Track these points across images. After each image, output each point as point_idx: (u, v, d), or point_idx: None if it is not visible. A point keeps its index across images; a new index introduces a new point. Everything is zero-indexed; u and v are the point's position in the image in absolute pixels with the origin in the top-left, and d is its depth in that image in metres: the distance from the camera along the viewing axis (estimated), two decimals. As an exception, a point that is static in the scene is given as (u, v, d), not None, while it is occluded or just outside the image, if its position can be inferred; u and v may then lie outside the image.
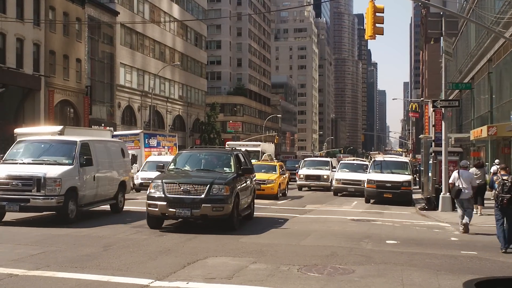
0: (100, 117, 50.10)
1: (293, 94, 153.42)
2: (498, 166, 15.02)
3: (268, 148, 39.41)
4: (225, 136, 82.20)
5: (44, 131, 25.78)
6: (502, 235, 11.61)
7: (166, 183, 12.55)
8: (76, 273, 8.02)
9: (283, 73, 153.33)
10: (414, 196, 26.60)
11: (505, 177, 11.57)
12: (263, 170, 25.18)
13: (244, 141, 40.92)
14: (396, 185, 24.41)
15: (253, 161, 28.25)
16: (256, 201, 17.26)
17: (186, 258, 9.47)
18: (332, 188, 30.15)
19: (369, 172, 26.45)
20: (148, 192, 12.82)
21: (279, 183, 24.68)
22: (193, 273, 8.23)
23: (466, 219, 14.68)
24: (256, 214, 18.16)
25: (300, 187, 32.54)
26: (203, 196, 12.40)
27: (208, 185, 12.50)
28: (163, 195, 12.43)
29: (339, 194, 29.11)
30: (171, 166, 14.43)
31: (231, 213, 12.82)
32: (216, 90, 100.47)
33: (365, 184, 25.24)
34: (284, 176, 26.54)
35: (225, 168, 14.12)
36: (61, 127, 25.91)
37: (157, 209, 12.47)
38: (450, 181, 15.17)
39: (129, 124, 55.42)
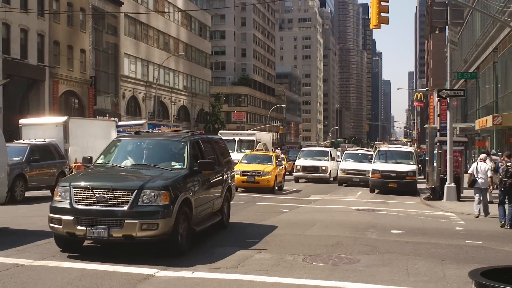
0: (104, 107, 50.13)
1: (298, 84, 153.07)
2: (484, 157, 16.53)
3: (265, 137, 36.65)
4: (229, 126, 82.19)
5: (49, 121, 26.00)
6: (502, 213, 14.06)
7: (75, 187, 8.54)
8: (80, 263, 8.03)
9: (287, 63, 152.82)
10: (419, 186, 26.63)
11: (509, 164, 13.60)
12: (257, 161, 23.92)
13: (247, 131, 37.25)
14: (401, 175, 24.40)
15: (247, 151, 28.34)
16: (252, 194, 17.27)
17: (191, 248, 9.43)
18: (331, 179, 30.07)
19: (373, 162, 26.55)
20: (52, 200, 8.91)
21: (275, 175, 23.10)
22: (198, 263, 8.21)
23: (476, 209, 16.09)
24: (259, 203, 18.36)
25: (296, 179, 30.80)
26: (126, 207, 8.23)
27: (136, 191, 8.32)
28: (69, 206, 8.45)
29: (344, 184, 29.20)
30: (100, 160, 10.24)
31: (173, 231, 8.50)
32: (221, 80, 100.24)
33: (370, 174, 25.34)
34: (281, 167, 24.76)
35: (174, 163, 9.77)
36: (65, 117, 26.04)
37: (60, 226, 8.46)
38: (470, 171, 16.72)
39: (133, 115, 55.43)
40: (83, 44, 46.31)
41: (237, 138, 31.64)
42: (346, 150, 47.15)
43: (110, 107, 51.41)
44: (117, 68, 53.03)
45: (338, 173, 29.95)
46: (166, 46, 64.59)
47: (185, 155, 9.89)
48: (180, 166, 9.68)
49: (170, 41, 65.74)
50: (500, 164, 14.18)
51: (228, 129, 74.90)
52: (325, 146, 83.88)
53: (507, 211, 13.75)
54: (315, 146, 72.35)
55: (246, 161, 23.86)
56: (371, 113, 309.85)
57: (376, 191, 25.01)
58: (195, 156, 10.16)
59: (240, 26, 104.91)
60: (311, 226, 13.00)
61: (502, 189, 13.90)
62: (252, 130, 40.43)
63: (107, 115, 45.32)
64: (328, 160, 31.50)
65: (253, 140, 31.63)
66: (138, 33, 57.93)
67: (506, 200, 13.85)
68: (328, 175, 30.30)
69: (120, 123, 37.08)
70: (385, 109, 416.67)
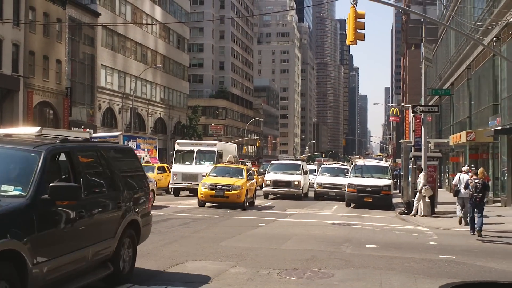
0: (80, 119, 49.58)
1: (276, 98, 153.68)
2: (466, 169, 18.37)
3: (228, 148, 33.84)
4: (207, 139, 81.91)
5: (21, 132, 25.57)
6: (471, 224, 15.32)
7: None
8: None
9: (265, 77, 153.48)
10: (394, 201, 26.81)
11: (476, 180, 15.07)
12: (227, 174, 22.78)
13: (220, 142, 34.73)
14: (376, 189, 24.59)
15: (207, 164, 27.65)
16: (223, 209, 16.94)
17: (165, 262, 9.41)
18: (301, 194, 28.87)
19: (350, 176, 26.69)
20: None
21: (247, 190, 21.90)
22: (172, 277, 8.18)
23: (459, 213, 17.98)
24: (235, 217, 18.35)
25: (266, 195, 28.75)
26: None
27: None
28: None
29: (320, 198, 29.31)
30: None
31: None
32: (198, 93, 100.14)
33: (346, 188, 25.43)
34: (252, 181, 23.66)
35: (6, 187, 6.03)
36: (38, 128, 25.69)
37: None
38: (453, 182, 18.34)
39: (109, 126, 54.91)
40: (59, 54, 45.86)
41: (196, 149, 28.91)
42: (323, 164, 47.43)
43: (85, 119, 50.87)
44: (93, 79, 52.59)
45: (315, 186, 29.95)
46: (144, 58, 64.36)
47: (33, 174, 6.00)
48: (17, 192, 5.89)
49: (148, 53, 65.53)
50: (469, 181, 15.67)
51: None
52: (302, 160, 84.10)
53: (476, 220, 15.10)
54: (289, 160, 72.64)
55: (215, 174, 22.89)
56: (348, 128, 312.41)
57: (352, 205, 25.12)
58: (57, 176, 6.51)
59: (218, 39, 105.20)
60: (287, 240, 13.00)
61: (471, 202, 15.36)
62: (208, 140, 36.82)
63: (83, 127, 44.80)
64: (301, 174, 29.62)
65: (214, 152, 28.85)
66: (116, 45, 57.61)
67: (476, 214, 15.18)
68: (301, 190, 28.64)
69: (94, 135, 36.59)
70: (362, 123, 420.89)
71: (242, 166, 24.42)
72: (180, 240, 12.37)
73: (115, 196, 7.49)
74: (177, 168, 28.03)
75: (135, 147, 35.47)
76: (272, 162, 34.32)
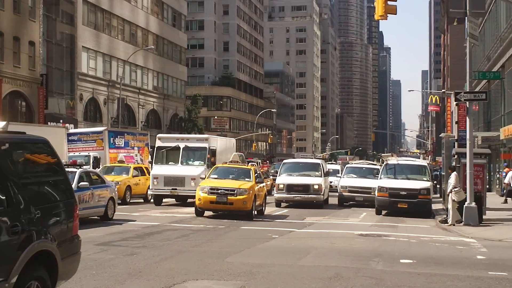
0: (58, 111, 49.86)
1: (291, 85, 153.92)
2: None
3: (225, 144, 32.49)
4: (209, 134, 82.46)
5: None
6: None
7: None
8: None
9: (278, 59, 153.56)
10: (434, 207, 26.72)
11: None
12: (231, 176, 22.56)
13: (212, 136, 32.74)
14: (412, 193, 24.56)
15: (197, 163, 26.94)
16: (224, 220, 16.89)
17: (160, 282, 9.43)
18: (323, 201, 28.44)
19: (380, 178, 26.69)
20: None
21: (255, 195, 21.54)
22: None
23: None
24: (243, 227, 18.46)
25: (278, 203, 28.07)
26: None
27: None
28: None
29: (344, 205, 29.44)
30: None
31: None
32: (199, 79, 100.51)
33: (376, 192, 25.48)
34: (261, 185, 23.31)
35: None
36: (3, 123, 25.79)
37: None
38: (506, 181, 17.81)
39: (93, 121, 55.24)
40: (33, 35, 45.96)
41: (182, 145, 27.60)
42: (348, 163, 47.35)
43: (64, 111, 51.15)
44: (73, 65, 52.82)
45: (339, 190, 30.24)
46: (133, 38, 64.60)
47: None
48: None
49: (138, 32, 65.76)
50: None
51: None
52: (322, 159, 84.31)
53: None
54: (307, 158, 72.24)
55: (216, 176, 22.69)
56: (378, 120, 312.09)
57: (383, 212, 25.17)
58: None
59: (221, 15, 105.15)
60: (305, 254, 13.09)
61: None
62: (206, 134, 33.20)
63: (61, 121, 45.11)
64: (321, 176, 29.02)
65: (205, 148, 27.52)
66: (99, 23, 57.83)
67: None
68: (322, 196, 28.06)
69: (73, 131, 36.84)
70: (395, 114, 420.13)
71: (249, 167, 24.03)
72: (178, 255, 12.43)
73: (9, 216, 5.99)
74: (158, 169, 26.90)
75: (122, 145, 35.75)
76: (284, 161, 33.12)
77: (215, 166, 24.55)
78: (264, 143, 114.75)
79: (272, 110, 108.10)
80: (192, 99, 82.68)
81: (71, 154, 31.49)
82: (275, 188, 29.24)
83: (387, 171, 27.09)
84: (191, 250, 13.22)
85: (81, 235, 13.51)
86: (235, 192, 20.92)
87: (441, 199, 29.01)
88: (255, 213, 22.00)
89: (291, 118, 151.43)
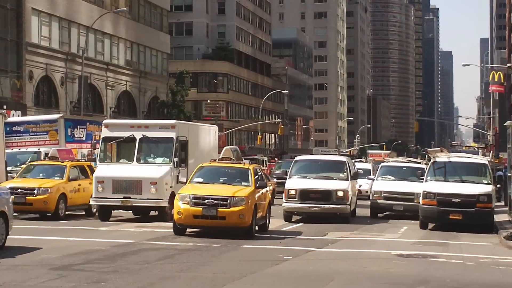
0: (1, 94, 49.77)
1: (307, 58, 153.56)
2: None
3: (201, 133, 31.21)
4: (201, 123, 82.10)
5: None
6: None
7: None
8: None
9: (290, 25, 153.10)
10: (497, 218, 26.39)
11: None
12: (222, 179, 22.25)
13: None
14: (468, 200, 24.40)
15: (160, 161, 25.49)
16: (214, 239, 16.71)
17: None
18: (350, 212, 28.04)
19: (426, 181, 26.61)
20: None
21: (255, 205, 21.06)
22: None
23: None
24: (244, 245, 18.53)
25: (289, 216, 27.79)
26: None
27: None
28: None
29: (379, 216, 29.49)
30: None
31: None
32: (186, 52, 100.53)
33: (421, 199, 25.41)
34: (264, 191, 23.01)
35: None
36: None
37: None
38: None
39: (47, 106, 55.13)
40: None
41: (138, 135, 26.31)
42: (383, 161, 47.16)
43: (9, 94, 50.95)
44: (20, 33, 52.44)
45: (371, 197, 30.48)
46: (99, -2, 64.36)
47: None
48: None
49: (105, -11, 65.56)
50: None
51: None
52: (349, 156, 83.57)
53: None
54: (328, 154, 71.21)
55: (201, 179, 22.20)
56: (423, 104, 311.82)
57: (430, 225, 25.17)
58: None
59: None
60: (328, 281, 13.07)
61: None
62: (173, 120, 28.68)
63: (5, 107, 44.91)
64: (347, 179, 28.53)
65: (172, 139, 26.18)
66: (55, -23, 57.58)
67: None
68: (349, 205, 27.60)
69: (17, 119, 36.50)
70: (445, 96, 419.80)
71: (247, 166, 23.44)
72: (160, 283, 12.39)
73: None
74: (104, 170, 25.63)
75: (84, 137, 35.50)
76: (297, 158, 32.08)
77: (200, 165, 23.48)
78: (273, 135, 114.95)
79: (282, 91, 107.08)
80: (178, 77, 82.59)
81: (16, 150, 31.25)
82: (283, 195, 28.47)
83: (435, 171, 26.95)
84: (177, 276, 13.21)
85: (33, 256, 13.32)
86: (228, 201, 20.30)
87: (507, 208, 28.78)
88: (256, 228, 21.66)
89: (308, 102, 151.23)
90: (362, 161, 57.55)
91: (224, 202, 20.22)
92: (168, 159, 25.87)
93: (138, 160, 25.81)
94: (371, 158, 78.64)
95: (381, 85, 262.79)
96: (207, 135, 31.60)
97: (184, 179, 22.96)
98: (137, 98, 71.51)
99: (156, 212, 25.75)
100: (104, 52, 65.48)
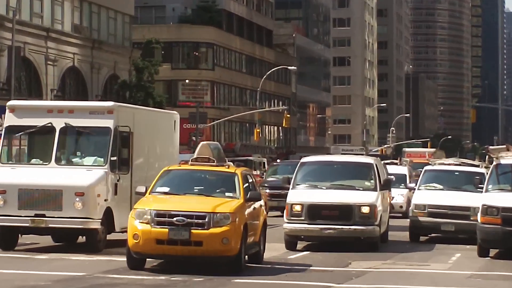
0: None
1: (323, 23, 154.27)
2: None
3: (156, 122, 30.07)
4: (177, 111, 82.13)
5: None
6: None
7: None
8: None
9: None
10: None
11: None
12: (196, 189, 22.06)
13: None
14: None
15: (90, 161, 24.42)
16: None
17: None
18: (379, 235, 27.82)
19: (486, 191, 26.48)
20: None
21: (245, 225, 20.69)
22: None
23: None
24: (237, 281, 18.51)
25: (291, 241, 27.62)
26: None
27: None
28: None
29: (422, 238, 29.57)
30: None
31: None
32: (156, 13, 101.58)
33: (479, 216, 25.31)
34: (257, 205, 22.79)
35: None
36: None
37: None
38: None
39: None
40: None
41: (59, 124, 25.05)
42: (428, 164, 47.26)
43: None
44: None
45: (411, 213, 30.57)
46: None
47: None
48: None
49: None
50: None
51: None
52: (382, 154, 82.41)
53: None
54: (350, 154, 70.76)
55: (166, 189, 21.85)
56: (482, 85, 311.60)
57: (493, 251, 25.12)
58: None
59: None
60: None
61: None
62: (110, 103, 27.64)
63: None
64: (374, 189, 28.49)
65: (108, 130, 25.11)
66: None
67: None
68: (378, 226, 27.50)
69: None
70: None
71: (232, 169, 22.82)
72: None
73: None
74: (6, 175, 24.45)
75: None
76: (304, 160, 31.64)
77: (166, 169, 22.96)
78: (275, 128, 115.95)
79: (289, 68, 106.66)
80: (145, 48, 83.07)
81: None
82: (285, 212, 28.16)
83: (499, 178, 26.81)
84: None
85: None
86: (207, 220, 19.73)
87: None
88: (246, 258, 21.01)
89: (325, 82, 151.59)
90: (395, 164, 57.42)
91: (201, 221, 19.63)
92: (102, 159, 24.71)
93: (57, 161, 24.62)
94: (408, 159, 78.75)
95: (424, 59, 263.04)
96: (163, 125, 30.23)
97: (142, 189, 21.59)
98: (88, 77, 71.80)
99: (84, 237, 24.21)
100: (44, 14, 65.64)
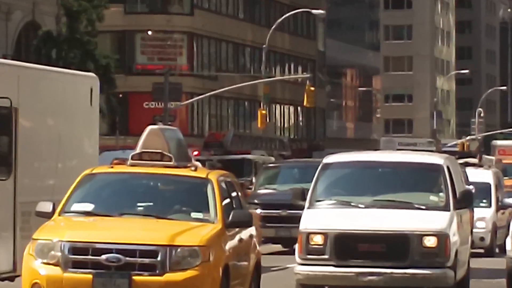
0: None
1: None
2: None
3: (58, 89, 31.39)
4: (132, 84, 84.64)
5: None
6: None
7: None
8: None
9: None
10: None
11: None
12: (140, 207, 22.79)
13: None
14: None
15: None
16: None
17: None
18: (450, 279, 27.56)
19: None
20: None
21: (224, 268, 21.31)
22: None
23: None
24: None
25: None
26: None
27: None
28: None
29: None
30: None
31: None
32: None
33: None
34: (246, 235, 23.92)
35: None
36: None
37: None
38: None
39: None
40: None
41: None
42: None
43: None
44: None
45: (509, 247, 31.25)
46: None
47: None
48: None
49: None
50: None
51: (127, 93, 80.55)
52: (464, 151, 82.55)
53: None
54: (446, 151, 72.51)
55: (90, 205, 22.27)
56: None
57: None
58: None
59: None
60: None
61: None
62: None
63: None
64: (446, 207, 28.44)
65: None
66: None
67: None
68: (452, 268, 27.37)
69: None
70: None
71: (203, 173, 23.78)
72: None
73: None
74: None
75: None
76: (326, 161, 31.58)
77: (86, 173, 23.76)
78: (292, 108, 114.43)
79: (313, 11, 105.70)
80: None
81: None
82: (296, 247, 28.58)
83: None
84: None
85: None
86: (160, 258, 20.01)
87: None
88: None
89: (370, 35, 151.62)
90: (472, 165, 56.38)
91: (149, 261, 20.09)
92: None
93: None
94: (495, 157, 76.55)
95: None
96: (70, 95, 32.04)
97: (46, 206, 21.89)
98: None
99: None
100: None
